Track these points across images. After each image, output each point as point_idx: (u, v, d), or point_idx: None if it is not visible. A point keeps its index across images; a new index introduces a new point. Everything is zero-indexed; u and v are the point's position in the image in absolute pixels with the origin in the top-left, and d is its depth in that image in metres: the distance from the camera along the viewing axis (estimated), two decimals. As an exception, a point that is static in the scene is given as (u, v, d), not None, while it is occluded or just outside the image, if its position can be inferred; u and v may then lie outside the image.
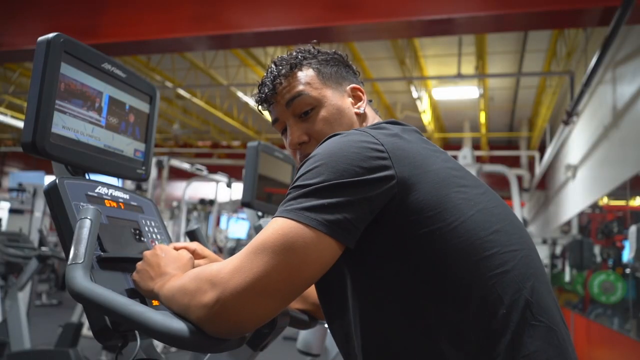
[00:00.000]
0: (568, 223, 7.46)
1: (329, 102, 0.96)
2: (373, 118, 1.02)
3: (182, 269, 0.87)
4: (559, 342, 0.77)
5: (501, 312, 0.74)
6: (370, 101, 1.05)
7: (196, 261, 0.99)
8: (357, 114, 0.99)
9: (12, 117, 9.48)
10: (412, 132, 0.89)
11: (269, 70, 1.00)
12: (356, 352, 0.84)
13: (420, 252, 0.76)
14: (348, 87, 1.00)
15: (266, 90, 0.98)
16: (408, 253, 0.76)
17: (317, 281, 0.81)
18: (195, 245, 1.04)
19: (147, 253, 0.90)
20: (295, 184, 0.78)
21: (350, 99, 1.00)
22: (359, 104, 1.00)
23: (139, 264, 0.90)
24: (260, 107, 1.02)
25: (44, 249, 3.70)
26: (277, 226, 0.73)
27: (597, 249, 5.49)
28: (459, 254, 0.75)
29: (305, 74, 0.97)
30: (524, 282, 0.77)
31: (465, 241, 0.76)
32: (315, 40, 1.06)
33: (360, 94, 1.01)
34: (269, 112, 1.02)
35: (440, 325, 0.75)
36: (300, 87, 0.96)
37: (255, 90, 1.02)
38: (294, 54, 1.00)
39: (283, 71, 0.97)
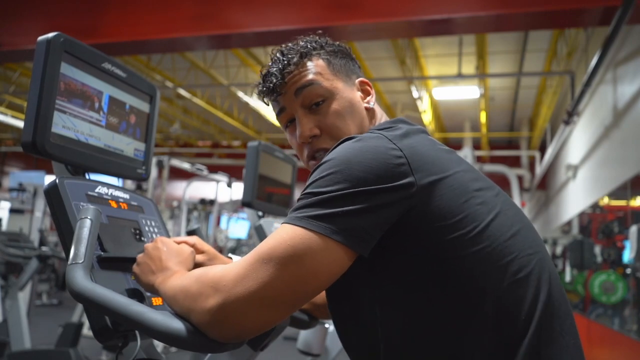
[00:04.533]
0: (569, 223, 7.46)
1: (341, 94, 0.91)
2: (381, 114, 0.98)
3: (183, 263, 0.86)
4: (571, 346, 0.76)
5: (521, 318, 0.73)
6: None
7: (197, 256, 0.98)
8: (366, 108, 0.95)
9: (13, 117, 9.48)
10: (421, 132, 0.86)
11: (276, 59, 0.94)
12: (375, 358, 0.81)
13: (442, 260, 0.73)
14: (357, 81, 0.97)
15: (274, 80, 0.92)
16: (429, 261, 0.74)
17: (330, 289, 0.79)
18: (194, 239, 1.03)
19: (148, 246, 0.89)
20: (307, 191, 0.75)
21: (359, 93, 0.96)
22: (368, 98, 0.96)
23: (139, 257, 0.89)
24: (265, 98, 0.96)
25: (44, 248, 3.70)
26: (286, 235, 0.71)
27: (597, 249, 5.49)
28: (481, 261, 0.73)
29: (316, 64, 0.92)
30: (541, 287, 0.76)
31: (486, 247, 0.74)
32: (320, 31, 1.01)
33: (369, 88, 0.98)
34: (275, 102, 0.95)
35: (463, 333, 0.73)
36: (312, 76, 0.91)
37: (260, 81, 0.96)
38: (302, 43, 0.95)
39: (294, 59, 0.92)
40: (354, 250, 0.71)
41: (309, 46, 0.94)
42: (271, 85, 0.93)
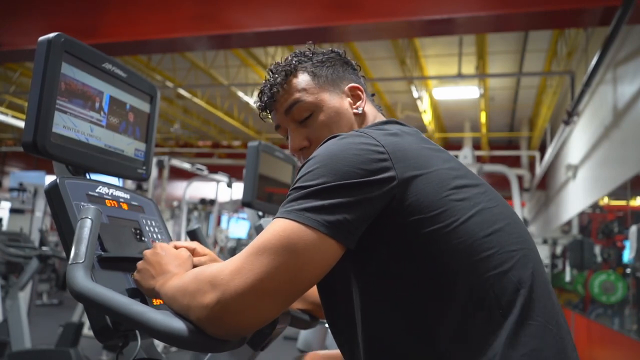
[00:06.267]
0: (568, 223, 7.46)
1: (327, 105, 0.96)
2: (374, 117, 1.00)
3: (182, 266, 0.87)
4: (557, 341, 0.77)
5: (498, 312, 0.75)
6: (373, 95, 1.04)
7: (196, 259, 0.99)
8: (355, 114, 0.98)
9: (13, 117, 9.48)
10: (411, 132, 0.89)
11: (266, 78, 1.01)
12: (360, 352, 0.83)
13: (420, 253, 0.76)
14: (346, 87, 1.00)
15: (265, 99, 1.00)
16: (408, 254, 0.76)
17: (319, 282, 0.80)
18: (195, 244, 1.03)
19: (147, 252, 0.90)
20: (295, 185, 0.78)
21: (348, 99, 0.99)
22: (358, 103, 0.99)
23: (139, 263, 0.90)
24: (261, 114, 1.04)
25: (44, 248, 3.70)
26: (278, 227, 0.73)
27: (597, 249, 5.49)
28: (458, 255, 0.75)
29: (301, 80, 0.98)
30: (522, 282, 0.77)
31: (464, 242, 0.76)
32: (310, 41, 1.05)
33: (360, 92, 1.00)
34: (272, 118, 1.03)
35: (439, 325, 0.75)
36: (297, 95, 0.97)
37: (257, 98, 1.04)
38: (289, 58, 1.01)
39: (279, 79, 0.98)
40: (340, 243, 0.74)
41: (294, 61, 0.99)
42: (263, 103, 1.01)
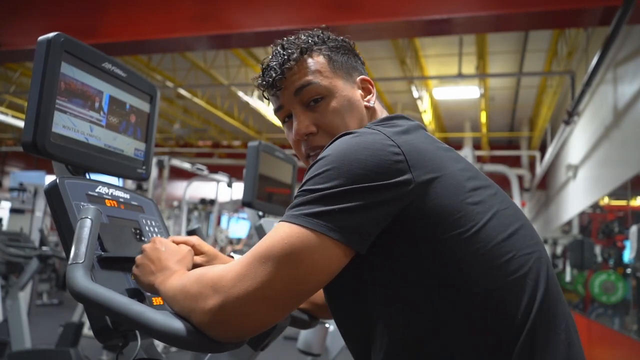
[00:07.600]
0: (569, 223, 7.46)
1: (340, 92, 0.91)
2: (381, 112, 0.97)
3: (182, 262, 0.86)
4: (570, 346, 0.76)
5: (518, 317, 0.73)
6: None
7: (195, 257, 0.97)
8: (366, 107, 0.94)
9: (13, 116, 9.48)
10: (419, 127, 0.86)
11: (276, 53, 0.93)
12: (373, 356, 0.81)
13: (439, 259, 0.73)
14: (358, 79, 0.96)
15: (273, 75, 0.91)
16: (427, 259, 0.73)
17: (327, 287, 0.78)
18: (195, 240, 1.02)
19: (146, 247, 0.89)
20: (304, 188, 0.75)
21: (359, 91, 0.95)
22: (369, 97, 0.96)
23: (138, 258, 0.88)
24: (265, 92, 0.96)
25: (44, 248, 3.70)
26: (284, 233, 0.71)
27: (598, 249, 5.49)
28: (479, 260, 0.73)
29: (316, 61, 0.91)
30: (539, 285, 0.76)
31: (484, 247, 0.74)
32: (324, 25, 0.99)
33: (370, 86, 0.97)
34: (274, 98, 0.95)
35: (459, 331, 0.73)
36: (311, 76, 0.90)
37: (259, 74, 0.95)
38: (303, 37, 0.94)
39: (294, 55, 0.91)
40: (351, 248, 0.71)
41: (310, 41, 0.93)
42: (270, 79, 0.92)
